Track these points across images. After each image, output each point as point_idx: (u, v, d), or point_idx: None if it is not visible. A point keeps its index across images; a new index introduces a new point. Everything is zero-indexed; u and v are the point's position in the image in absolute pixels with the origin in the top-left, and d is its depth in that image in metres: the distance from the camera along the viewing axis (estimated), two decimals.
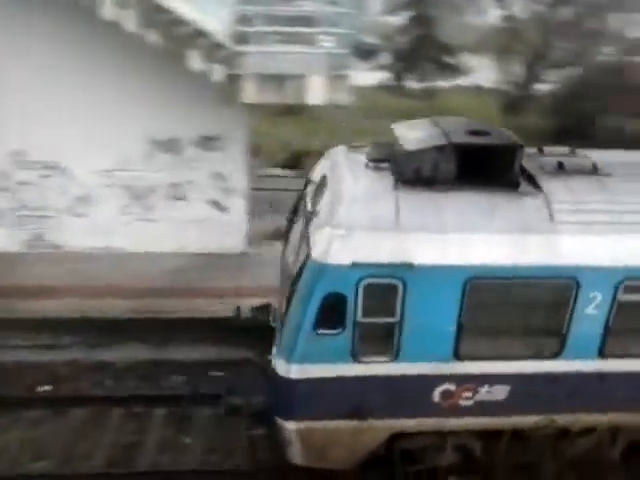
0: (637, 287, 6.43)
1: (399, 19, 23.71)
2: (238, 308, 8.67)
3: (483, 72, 23.99)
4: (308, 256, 6.12)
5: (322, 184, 7.05)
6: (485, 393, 6.72)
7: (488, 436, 7.29)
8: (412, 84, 22.39)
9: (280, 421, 6.80)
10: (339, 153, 7.48)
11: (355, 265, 5.87)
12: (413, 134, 6.82)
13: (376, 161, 6.74)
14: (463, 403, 6.75)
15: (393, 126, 7.38)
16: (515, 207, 6.34)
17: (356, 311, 6.09)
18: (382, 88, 22.55)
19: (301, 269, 6.20)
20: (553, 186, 6.62)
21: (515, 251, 6.14)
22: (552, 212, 6.37)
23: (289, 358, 6.32)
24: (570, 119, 19.37)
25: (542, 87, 22.10)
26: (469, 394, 6.71)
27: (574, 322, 6.46)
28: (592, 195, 6.59)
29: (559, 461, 7.56)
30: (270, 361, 6.83)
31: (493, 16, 28.06)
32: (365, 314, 6.12)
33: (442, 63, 22.22)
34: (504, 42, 22.25)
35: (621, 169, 7.06)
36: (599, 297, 6.38)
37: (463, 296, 6.13)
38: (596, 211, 6.45)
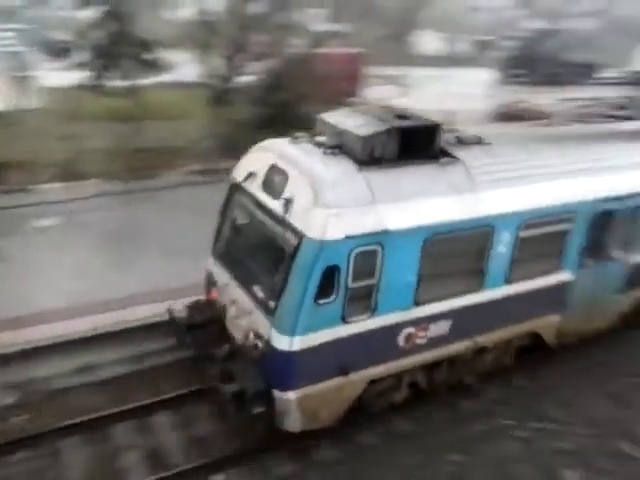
0: (532, 224, 8.45)
1: (91, 14, 22.30)
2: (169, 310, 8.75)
3: (186, 67, 23.86)
4: (302, 237, 6.80)
5: (274, 174, 7.56)
6: (434, 329, 8.09)
7: (431, 367, 8.74)
8: (114, 82, 21.27)
9: (279, 393, 7.27)
10: (283, 145, 7.98)
11: (348, 238, 6.80)
12: (351, 122, 7.76)
13: (332, 148, 7.54)
14: (419, 342, 8.05)
15: (322, 117, 8.22)
16: (447, 174, 7.80)
17: (347, 278, 6.99)
18: (82, 88, 20.99)
19: (295, 250, 6.83)
20: (463, 155, 8.22)
21: (454, 210, 7.62)
22: (472, 175, 7.98)
23: (292, 332, 6.90)
24: (272, 108, 20.35)
25: (244, 79, 22.79)
26: (423, 333, 8.02)
27: (491, 260, 8.25)
28: (489, 159, 8.39)
29: (476, 374, 9.44)
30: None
31: (188, 11, 28.00)
32: (354, 279, 7.06)
33: (142, 60, 21.50)
34: (202, 36, 22.37)
35: (496, 139, 9.00)
36: (507, 237, 8.25)
37: (422, 252, 7.43)
38: (495, 171, 8.28)
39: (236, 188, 8.27)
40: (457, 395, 9.55)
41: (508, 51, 40.79)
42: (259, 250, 7.78)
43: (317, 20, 30.12)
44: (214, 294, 8.58)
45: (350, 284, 7.06)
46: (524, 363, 10.05)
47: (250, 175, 7.98)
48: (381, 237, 7.03)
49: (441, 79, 34.21)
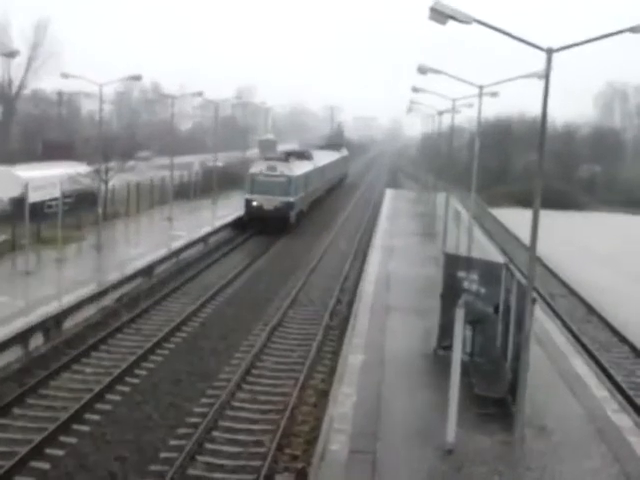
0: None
1: None
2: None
3: None
4: (290, 176, 46.99)
5: (270, 167, 47.24)
6: (305, 197, 54.04)
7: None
8: None
9: (291, 212, 46.49)
10: (265, 160, 50.16)
11: (296, 175, 48.46)
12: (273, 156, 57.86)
13: (278, 160, 50.74)
14: (303, 196, 53.84)
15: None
16: (307, 163, 56.58)
17: (297, 183, 48.59)
18: None
19: (289, 179, 46.54)
20: (292, 160, 51.67)
21: (308, 169, 56.24)
22: (296, 163, 51.78)
23: (293, 196, 46.66)
24: None
25: None
26: (304, 199, 53.27)
27: (308, 180, 56.14)
28: (298, 162, 54.21)
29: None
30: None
31: None
32: (298, 184, 49.00)
33: None
34: None
35: (315, 157, 62.17)
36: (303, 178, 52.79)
37: (305, 179, 53.07)
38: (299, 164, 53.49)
39: (253, 174, 46.59)
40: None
41: None
42: (269, 185, 45.58)
43: None
44: (254, 203, 45.22)
45: (298, 185, 48.42)
46: None
47: (260, 169, 46.96)
48: (295, 176, 47.59)
49: None
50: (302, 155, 57.41)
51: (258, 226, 44.48)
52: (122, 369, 20.05)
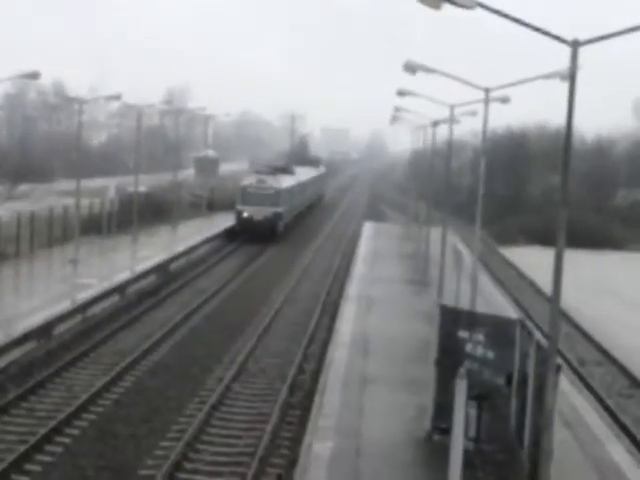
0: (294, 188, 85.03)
1: None
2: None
3: None
4: (279, 188, 71.97)
5: (260, 180, 72.29)
6: (293, 208, 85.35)
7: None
8: None
9: (279, 222, 70.90)
10: (254, 175, 76.73)
11: (282, 188, 72.64)
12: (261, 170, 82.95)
13: (266, 173, 77.40)
14: (292, 209, 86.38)
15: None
16: (291, 177, 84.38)
17: (285, 195, 74.17)
18: None
19: (277, 191, 71.28)
20: (279, 176, 78.13)
21: (289, 183, 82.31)
22: (282, 178, 77.94)
23: (282, 206, 71.39)
24: None
25: None
26: (290, 212, 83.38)
27: (295, 192, 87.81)
28: (284, 176, 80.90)
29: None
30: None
31: None
32: (284, 196, 74.17)
33: None
34: None
35: (297, 173, 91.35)
36: (291, 190, 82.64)
37: (290, 191, 79.55)
38: (285, 178, 79.22)
39: (245, 186, 71.15)
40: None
41: None
42: (259, 197, 69.17)
43: None
44: (245, 214, 68.16)
45: (285, 197, 73.37)
46: None
47: (250, 182, 71.77)
48: (282, 189, 72.21)
49: None
50: (286, 170, 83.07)
51: (248, 235, 66.81)
52: (7, 463, 19.81)
